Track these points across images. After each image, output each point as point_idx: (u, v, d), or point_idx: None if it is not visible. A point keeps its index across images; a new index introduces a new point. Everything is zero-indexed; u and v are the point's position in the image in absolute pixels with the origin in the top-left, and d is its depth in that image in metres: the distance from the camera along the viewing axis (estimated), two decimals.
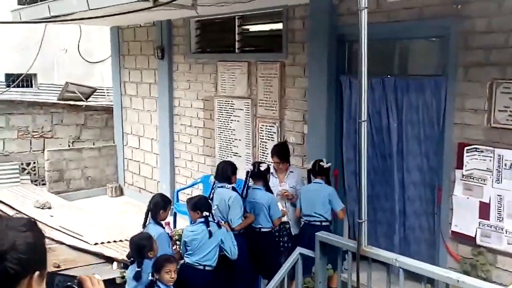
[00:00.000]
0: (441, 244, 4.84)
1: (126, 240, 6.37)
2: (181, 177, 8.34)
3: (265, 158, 6.65)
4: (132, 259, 4.30)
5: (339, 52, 5.72)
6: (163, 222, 4.72)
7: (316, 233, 3.80)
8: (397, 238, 5.21)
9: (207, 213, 4.48)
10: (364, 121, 3.34)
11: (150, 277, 4.00)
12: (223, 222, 4.77)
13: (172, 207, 7.66)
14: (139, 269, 4.08)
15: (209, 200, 4.87)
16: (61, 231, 6.55)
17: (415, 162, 5.09)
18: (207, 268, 4.46)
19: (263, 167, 4.99)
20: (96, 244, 6.03)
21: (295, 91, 6.22)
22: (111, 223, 7.29)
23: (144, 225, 4.66)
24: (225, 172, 4.93)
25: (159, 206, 4.62)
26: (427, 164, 5.00)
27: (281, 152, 5.37)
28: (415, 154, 5.07)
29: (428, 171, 4.99)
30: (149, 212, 4.63)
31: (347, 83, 5.55)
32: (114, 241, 6.26)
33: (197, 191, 7.84)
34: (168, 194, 8.25)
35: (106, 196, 9.68)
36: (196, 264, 4.44)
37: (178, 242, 5.15)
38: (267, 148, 6.57)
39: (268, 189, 4.97)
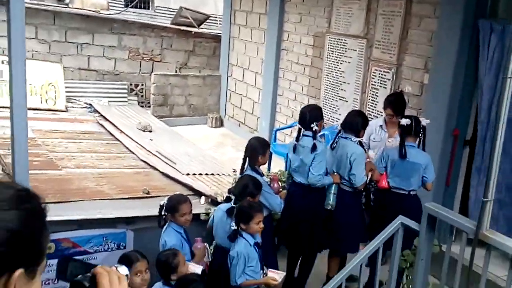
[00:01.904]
0: None
1: (218, 174, 6.22)
2: (281, 116, 7.95)
3: (374, 107, 5.99)
4: (230, 195, 4.06)
5: None
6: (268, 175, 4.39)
7: (425, 204, 3.22)
8: None
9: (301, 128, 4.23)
10: (510, 77, 2.62)
11: (233, 226, 3.69)
12: (334, 173, 4.32)
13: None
14: (234, 206, 3.82)
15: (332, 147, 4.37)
16: (157, 156, 6.54)
17: None
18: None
19: (424, 122, 4.21)
20: (188, 174, 5.92)
21: (419, 33, 5.39)
22: (207, 155, 7.17)
23: (242, 172, 4.32)
24: (355, 123, 4.28)
25: (256, 151, 4.18)
26: None
27: (397, 103, 4.67)
28: None
29: None
30: (246, 158, 4.24)
31: (487, 29, 4.61)
32: (206, 174, 6.11)
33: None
34: (266, 132, 7.99)
35: (206, 125, 9.64)
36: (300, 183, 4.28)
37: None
38: (377, 96, 5.89)
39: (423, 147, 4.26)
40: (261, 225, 3.66)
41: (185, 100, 9.58)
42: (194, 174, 6.01)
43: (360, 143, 4.25)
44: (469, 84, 4.94)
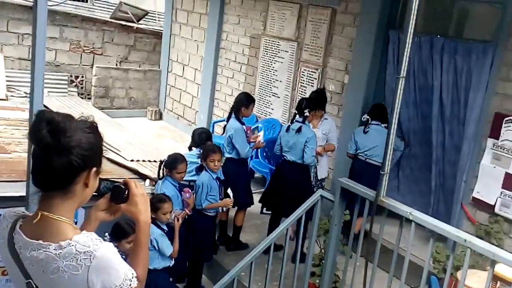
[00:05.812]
0: (460, 207, 4.94)
1: (160, 161, 6.72)
2: (219, 110, 8.57)
3: None
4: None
5: (393, 6, 5.64)
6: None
7: (338, 179, 3.96)
8: (431, 199, 5.35)
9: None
10: (402, 77, 3.38)
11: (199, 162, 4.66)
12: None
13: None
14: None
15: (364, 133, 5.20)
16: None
17: (451, 126, 5.12)
18: None
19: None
20: (132, 160, 6.38)
21: (342, 40, 6.21)
22: (148, 144, 7.65)
23: (228, 120, 5.26)
24: (383, 113, 5.21)
25: (241, 103, 5.15)
26: (462, 129, 5.01)
27: (319, 98, 5.45)
28: (453, 118, 5.09)
29: (462, 136, 5.02)
30: (232, 110, 5.18)
31: (395, 38, 5.49)
32: (149, 161, 6.59)
33: None
34: (204, 125, 8.57)
35: (145, 118, 10.05)
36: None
37: None
38: (305, 93, 6.65)
39: None
40: (216, 163, 4.57)
41: (126, 93, 9.95)
42: (138, 160, 6.49)
43: (386, 128, 5.02)
44: (381, 85, 5.82)
